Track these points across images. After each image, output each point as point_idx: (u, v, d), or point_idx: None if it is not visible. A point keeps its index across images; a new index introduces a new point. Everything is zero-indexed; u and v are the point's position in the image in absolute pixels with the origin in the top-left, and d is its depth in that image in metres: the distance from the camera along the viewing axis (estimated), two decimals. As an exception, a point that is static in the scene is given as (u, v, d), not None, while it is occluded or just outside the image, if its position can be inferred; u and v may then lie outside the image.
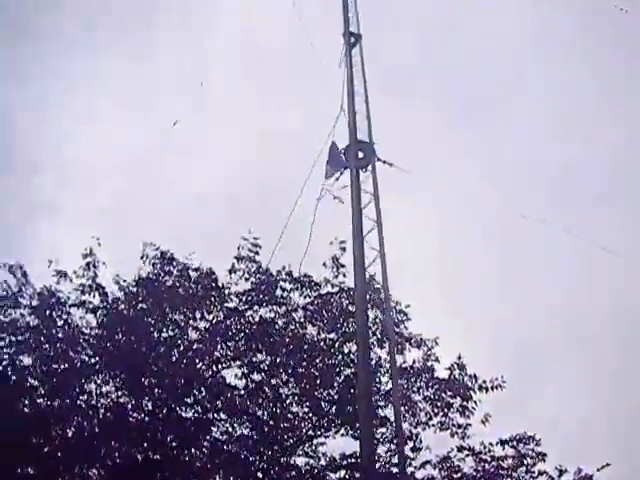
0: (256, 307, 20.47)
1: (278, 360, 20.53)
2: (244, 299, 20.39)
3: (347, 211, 15.99)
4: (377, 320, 20.63)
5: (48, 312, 20.08)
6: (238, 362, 20.42)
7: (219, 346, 20.40)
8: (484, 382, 20.86)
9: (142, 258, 20.46)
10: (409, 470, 20.96)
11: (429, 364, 21.27)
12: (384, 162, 16.20)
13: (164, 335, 20.66)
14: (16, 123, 36.53)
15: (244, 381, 20.83)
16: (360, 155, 16.17)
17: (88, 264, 20.83)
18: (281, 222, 17.24)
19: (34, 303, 20.52)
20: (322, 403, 21.14)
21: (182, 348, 20.55)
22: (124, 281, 20.64)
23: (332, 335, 20.99)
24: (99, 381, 20.77)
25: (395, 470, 20.81)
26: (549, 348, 30.19)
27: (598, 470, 21.53)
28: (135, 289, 20.71)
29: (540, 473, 21.60)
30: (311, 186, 16.61)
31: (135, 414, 20.84)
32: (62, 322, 20.57)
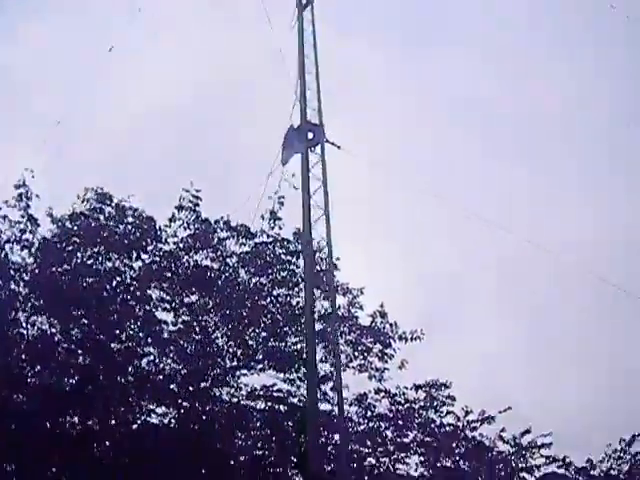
0: (192, 252, 20.78)
1: (210, 302, 21.00)
2: (181, 245, 20.68)
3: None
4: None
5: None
6: (172, 303, 20.80)
7: (152, 285, 20.68)
8: (404, 333, 21.95)
9: (79, 199, 20.38)
10: (327, 407, 22.12)
11: (353, 311, 22.15)
12: (332, 144, 16.52)
13: (97, 270, 20.78)
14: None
15: (175, 318, 21.28)
16: (310, 136, 16.42)
17: (20, 195, 20.63)
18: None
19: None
20: (249, 341, 21.85)
21: (115, 284, 20.75)
22: (59, 219, 20.56)
23: (263, 280, 21.53)
24: (29, 310, 20.92)
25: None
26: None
27: (500, 413, 23.30)
28: (69, 224, 20.65)
29: (448, 412, 23.19)
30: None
31: (65, 344, 21.19)
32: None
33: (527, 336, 31.23)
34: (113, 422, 21.73)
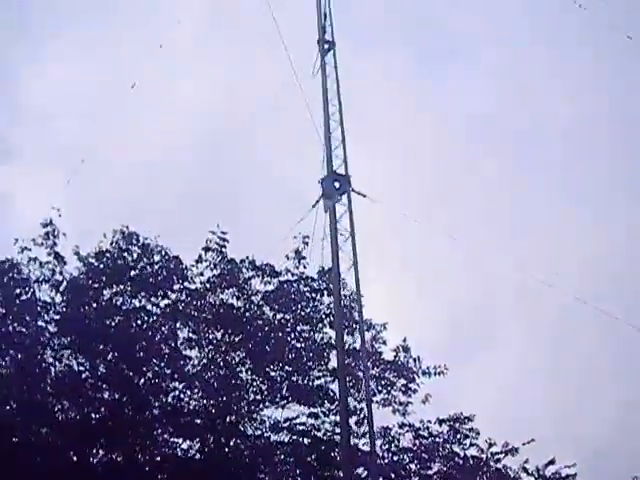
0: (218, 291, 20.99)
1: (235, 338, 21.20)
2: (207, 285, 20.91)
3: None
4: (331, 305, 21.37)
5: (12, 284, 20.21)
6: (198, 340, 21.04)
7: (178, 324, 20.90)
8: (428, 368, 22.07)
9: (105, 238, 20.66)
10: (352, 441, 22.18)
11: (377, 346, 22.29)
12: (358, 193, 16.67)
13: (124, 308, 21.01)
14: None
15: (200, 354, 21.47)
16: (336, 185, 16.55)
17: (47, 234, 20.90)
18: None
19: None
20: (274, 376, 22.00)
21: (140, 322, 20.99)
22: (85, 257, 20.82)
23: (287, 316, 21.70)
24: (56, 347, 21.17)
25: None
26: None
27: (523, 444, 23.33)
28: (96, 262, 20.90)
29: (471, 445, 23.24)
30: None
31: (91, 380, 21.42)
32: (20, 290, 20.76)
33: (548, 367, 31.38)
34: (139, 456, 21.95)
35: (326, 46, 18.22)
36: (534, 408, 28.81)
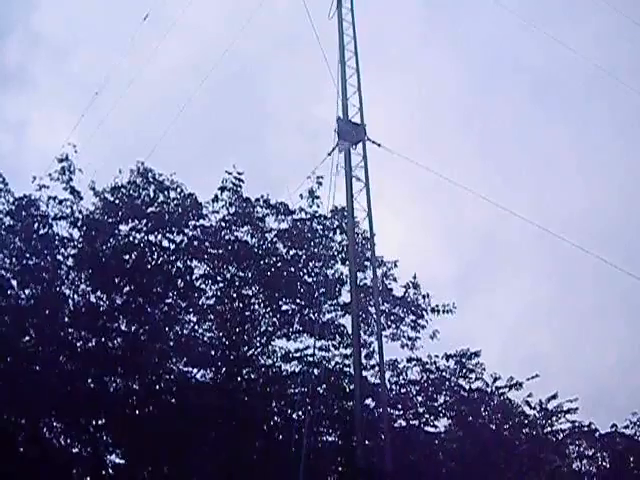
0: (233, 228, 21.34)
1: (249, 273, 21.61)
2: (222, 223, 21.24)
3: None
4: (343, 242, 21.71)
5: (30, 220, 20.55)
6: (212, 275, 21.45)
7: (193, 258, 21.29)
8: (437, 305, 22.51)
9: (121, 173, 20.93)
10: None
11: (387, 282, 22.69)
12: (373, 142, 16.76)
13: (140, 244, 21.39)
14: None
15: (214, 288, 21.94)
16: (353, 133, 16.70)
17: (63, 169, 21.16)
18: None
19: (12, 208, 21.00)
20: (286, 309, 22.49)
21: (156, 256, 21.37)
22: (101, 192, 21.10)
23: (300, 252, 22.08)
24: (74, 280, 21.63)
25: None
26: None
27: (528, 380, 23.97)
28: (111, 197, 21.19)
29: (476, 379, 23.89)
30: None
31: (107, 311, 21.93)
32: (38, 225, 21.11)
33: (554, 308, 31.82)
34: (154, 384, 22.60)
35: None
36: (539, 347, 29.37)
